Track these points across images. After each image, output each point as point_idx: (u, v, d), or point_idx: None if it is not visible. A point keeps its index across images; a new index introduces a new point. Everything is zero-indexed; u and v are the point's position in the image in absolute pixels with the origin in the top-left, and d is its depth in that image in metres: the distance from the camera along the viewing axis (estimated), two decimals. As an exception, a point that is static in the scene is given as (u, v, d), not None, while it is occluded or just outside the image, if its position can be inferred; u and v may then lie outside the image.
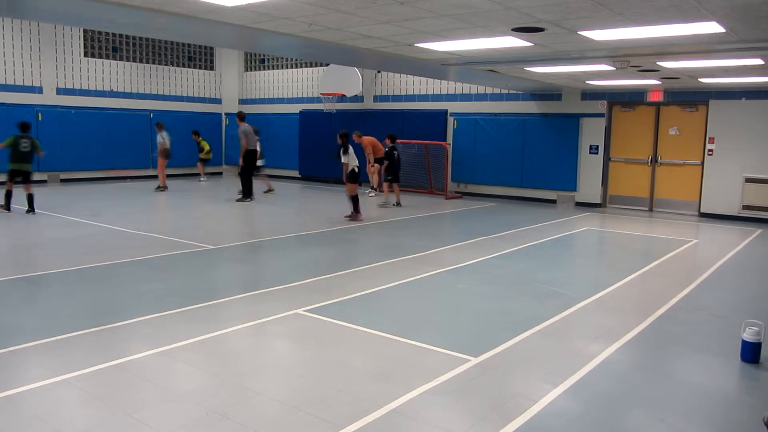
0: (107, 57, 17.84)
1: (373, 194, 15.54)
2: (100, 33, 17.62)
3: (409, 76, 16.72)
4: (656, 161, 13.85)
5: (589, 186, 14.42)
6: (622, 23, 6.34)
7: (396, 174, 13.82)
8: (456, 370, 4.35)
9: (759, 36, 6.82)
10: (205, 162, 18.17)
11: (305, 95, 19.41)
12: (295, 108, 19.53)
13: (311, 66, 19.22)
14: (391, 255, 8.31)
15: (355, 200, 11.40)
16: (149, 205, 13.22)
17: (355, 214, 11.38)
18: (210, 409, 3.69)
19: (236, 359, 4.58)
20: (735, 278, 7.68)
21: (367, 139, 14.65)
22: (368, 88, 17.82)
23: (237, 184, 14.78)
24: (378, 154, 14.87)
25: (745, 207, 12.58)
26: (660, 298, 6.45)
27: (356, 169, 11.52)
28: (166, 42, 19.10)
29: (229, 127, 20.69)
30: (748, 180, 12.49)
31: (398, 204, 13.69)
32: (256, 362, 4.55)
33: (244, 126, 13.80)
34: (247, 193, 13.79)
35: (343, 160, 11.54)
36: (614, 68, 9.75)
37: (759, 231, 11.29)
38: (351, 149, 11.60)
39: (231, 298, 6.15)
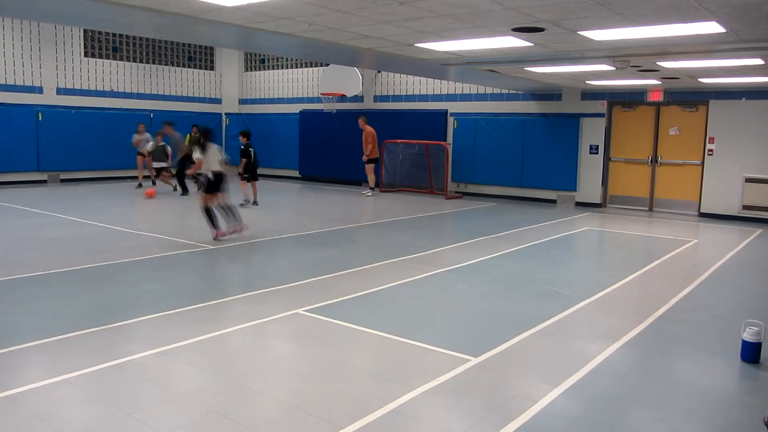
0: (107, 57, 17.84)
1: (370, 194, 15.50)
2: (100, 33, 17.61)
3: (409, 76, 16.72)
4: (656, 161, 13.85)
5: (589, 186, 14.41)
6: (622, 23, 6.34)
7: (253, 172, 12.74)
8: (456, 370, 4.35)
9: (759, 36, 6.82)
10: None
11: (305, 95, 19.41)
12: (295, 108, 19.53)
13: (311, 66, 19.22)
14: (391, 255, 8.31)
15: (208, 214, 8.90)
16: (149, 204, 13.21)
17: (216, 231, 8.93)
18: (210, 409, 3.69)
19: (236, 359, 4.58)
20: (735, 278, 7.68)
21: (370, 130, 15.11)
22: (368, 88, 17.82)
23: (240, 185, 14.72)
24: (372, 153, 15.34)
25: (745, 207, 12.58)
26: (660, 298, 6.45)
27: (211, 176, 8.81)
28: (166, 42, 19.09)
29: (229, 127, 20.70)
30: (748, 180, 12.49)
31: (255, 203, 12.80)
32: (256, 362, 4.55)
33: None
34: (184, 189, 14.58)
35: (195, 156, 8.93)
36: (614, 68, 9.75)
37: (759, 231, 11.29)
38: (213, 147, 8.91)
39: (231, 298, 6.16)
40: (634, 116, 14.09)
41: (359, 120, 15.67)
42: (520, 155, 15.15)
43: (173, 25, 7.36)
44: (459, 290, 6.68)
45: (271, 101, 20.32)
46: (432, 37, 7.64)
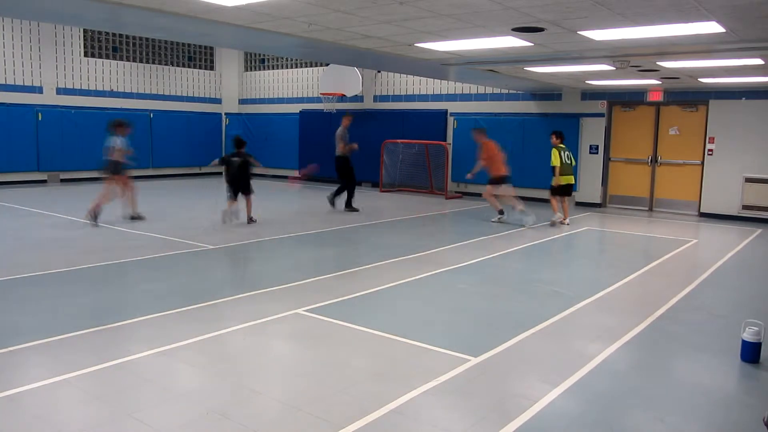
0: (107, 57, 17.83)
1: (495, 219, 11.77)
2: (100, 33, 17.61)
3: (409, 76, 16.72)
4: (656, 161, 13.85)
5: (589, 186, 14.41)
6: (622, 23, 6.34)
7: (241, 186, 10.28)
8: (456, 370, 4.35)
9: (759, 36, 6.82)
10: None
11: (305, 95, 19.41)
12: (295, 108, 19.53)
13: (311, 66, 19.22)
14: (391, 255, 8.31)
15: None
16: (149, 205, 13.20)
17: None
18: (210, 409, 3.69)
19: (236, 359, 4.58)
20: (735, 278, 7.68)
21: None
22: (368, 88, 17.81)
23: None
24: (498, 170, 11.62)
25: (745, 207, 12.58)
26: (660, 298, 6.45)
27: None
28: (166, 42, 19.09)
29: (229, 127, 20.70)
30: (748, 180, 12.49)
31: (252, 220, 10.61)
32: (256, 362, 4.55)
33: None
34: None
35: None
36: (614, 68, 9.75)
37: (759, 231, 11.29)
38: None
39: (231, 298, 6.15)
40: (634, 116, 14.08)
41: (478, 132, 11.93)
42: (520, 155, 15.13)
43: (173, 25, 7.36)
44: (459, 290, 6.68)
45: (271, 101, 20.31)
46: (432, 37, 7.64)
